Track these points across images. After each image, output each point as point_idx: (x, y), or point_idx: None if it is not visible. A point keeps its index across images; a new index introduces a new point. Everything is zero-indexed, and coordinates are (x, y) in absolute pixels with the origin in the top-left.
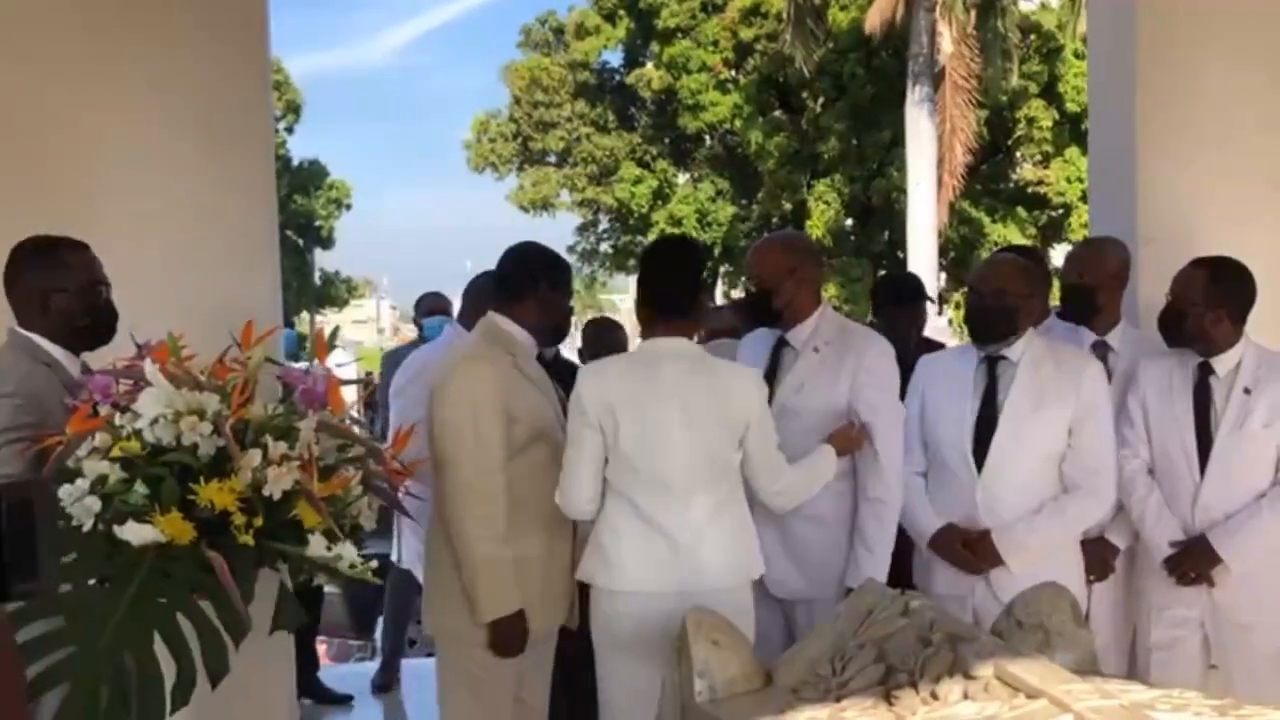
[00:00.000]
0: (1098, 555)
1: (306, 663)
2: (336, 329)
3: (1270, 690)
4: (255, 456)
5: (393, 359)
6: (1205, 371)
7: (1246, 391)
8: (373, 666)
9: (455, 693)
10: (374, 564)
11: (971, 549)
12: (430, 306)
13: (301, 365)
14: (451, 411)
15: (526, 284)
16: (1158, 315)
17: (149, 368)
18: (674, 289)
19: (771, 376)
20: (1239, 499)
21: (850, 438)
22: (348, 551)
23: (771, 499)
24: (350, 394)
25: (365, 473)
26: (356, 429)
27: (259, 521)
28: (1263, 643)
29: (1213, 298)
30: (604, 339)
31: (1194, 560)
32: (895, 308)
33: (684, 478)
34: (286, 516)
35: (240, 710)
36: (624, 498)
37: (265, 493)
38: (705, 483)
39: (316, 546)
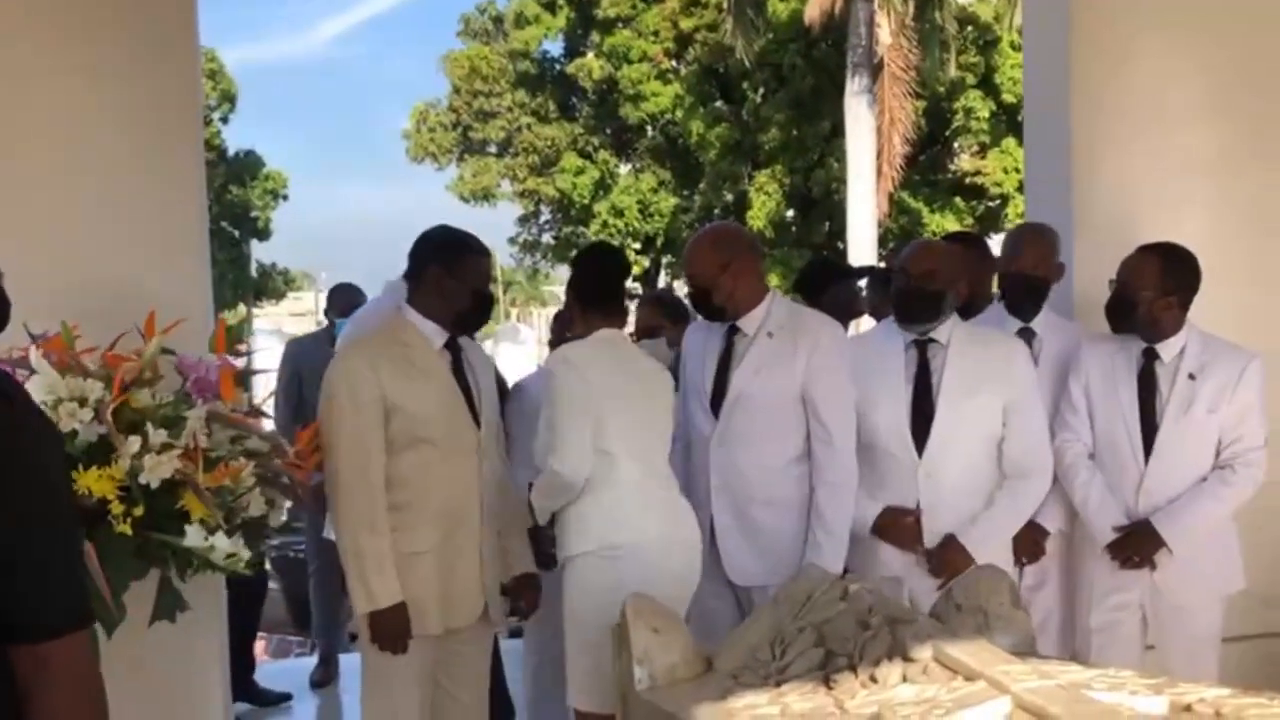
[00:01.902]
0: (1028, 538)
1: (243, 666)
2: (241, 321)
3: (1208, 669)
4: (134, 444)
5: (296, 347)
6: (1150, 357)
7: (1191, 377)
8: (312, 662)
9: (368, 681)
10: (247, 555)
11: (941, 556)
12: (344, 305)
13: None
14: (327, 403)
15: (418, 270)
16: (1106, 302)
17: (34, 355)
18: (618, 288)
19: (725, 362)
20: (1182, 484)
21: None
22: (221, 542)
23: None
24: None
25: (262, 465)
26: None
27: (139, 511)
28: (1201, 623)
29: (1165, 284)
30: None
31: (1137, 544)
32: (808, 301)
33: (659, 454)
34: (172, 508)
35: (174, 715)
36: (630, 462)
37: (142, 481)
38: (666, 454)
39: (193, 536)
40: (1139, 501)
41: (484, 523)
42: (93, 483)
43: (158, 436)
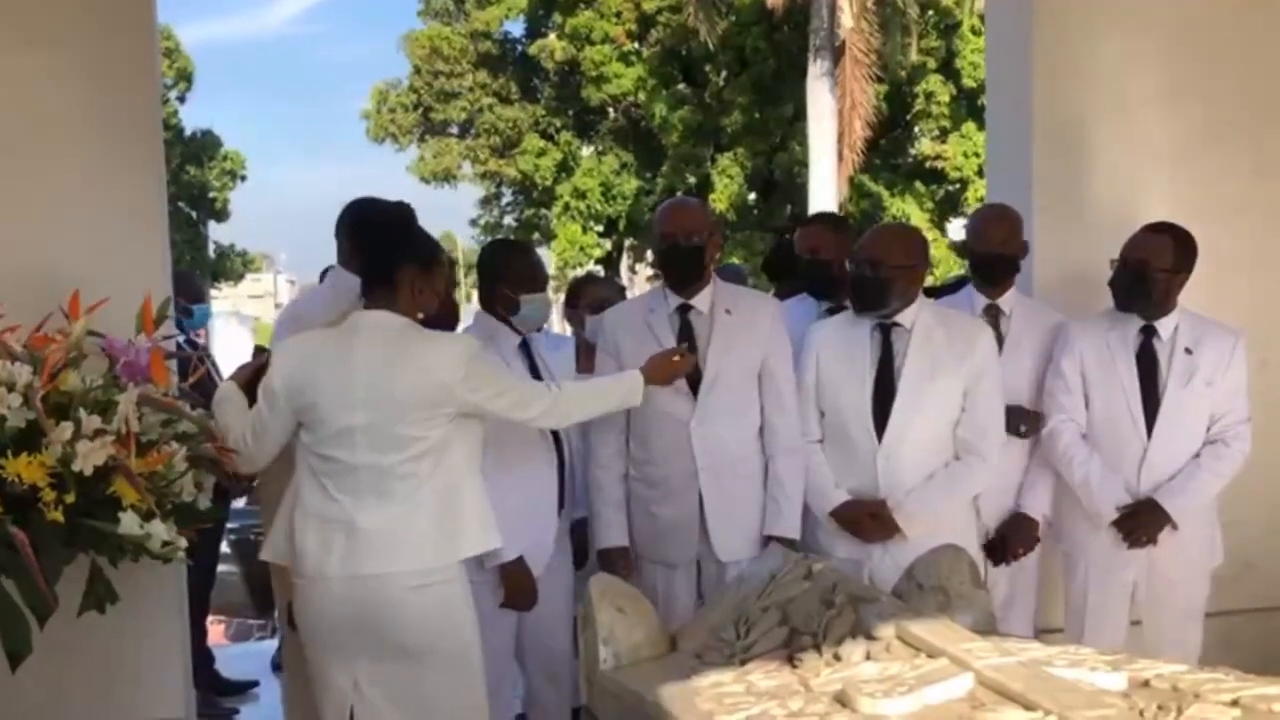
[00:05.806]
0: (1019, 529)
1: (204, 658)
2: (166, 300)
3: (1194, 641)
4: (66, 430)
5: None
6: (1148, 334)
7: (1188, 351)
8: (273, 645)
9: (291, 666)
10: (184, 543)
11: (870, 521)
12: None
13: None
14: None
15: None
16: (1111, 279)
17: None
18: (368, 259)
19: (687, 342)
20: (1183, 457)
21: (669, 365)
22: (157, 529)
23: (539, 421)
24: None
25: (192, 449)
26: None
27: (70, 498)
28: (1186, 597)
29: (1180, 262)
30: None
31: (1145, 522)
32: (771, 276)
33: (369, 459)
34: (104, 493)
35: (133, 703)
36: (314, 476)
37: (75, 468)
38: (394, 465)
39: (129, 524)
40: (1142, 477)
41: None
42: (23, 469)
43: (90, 422)
